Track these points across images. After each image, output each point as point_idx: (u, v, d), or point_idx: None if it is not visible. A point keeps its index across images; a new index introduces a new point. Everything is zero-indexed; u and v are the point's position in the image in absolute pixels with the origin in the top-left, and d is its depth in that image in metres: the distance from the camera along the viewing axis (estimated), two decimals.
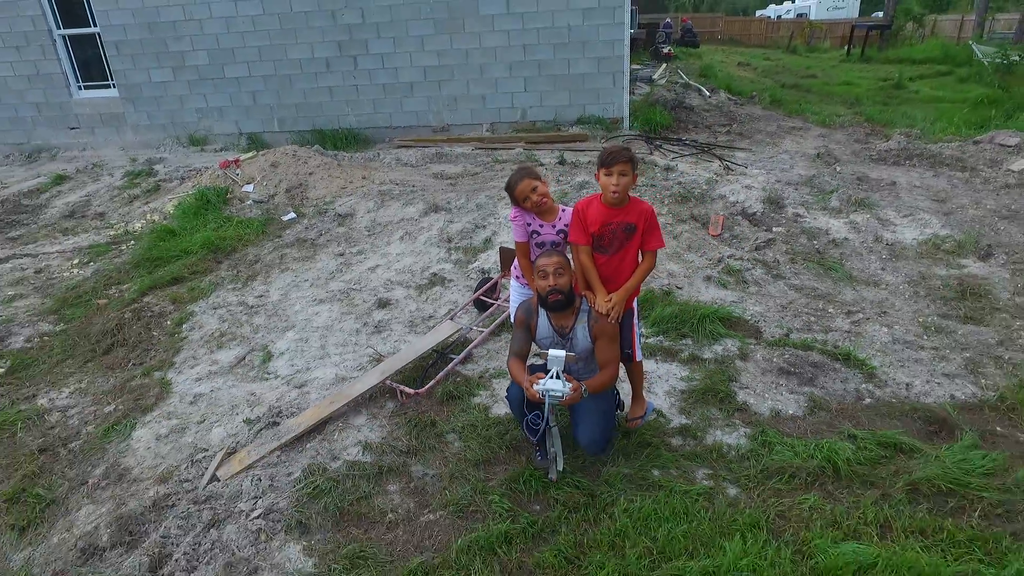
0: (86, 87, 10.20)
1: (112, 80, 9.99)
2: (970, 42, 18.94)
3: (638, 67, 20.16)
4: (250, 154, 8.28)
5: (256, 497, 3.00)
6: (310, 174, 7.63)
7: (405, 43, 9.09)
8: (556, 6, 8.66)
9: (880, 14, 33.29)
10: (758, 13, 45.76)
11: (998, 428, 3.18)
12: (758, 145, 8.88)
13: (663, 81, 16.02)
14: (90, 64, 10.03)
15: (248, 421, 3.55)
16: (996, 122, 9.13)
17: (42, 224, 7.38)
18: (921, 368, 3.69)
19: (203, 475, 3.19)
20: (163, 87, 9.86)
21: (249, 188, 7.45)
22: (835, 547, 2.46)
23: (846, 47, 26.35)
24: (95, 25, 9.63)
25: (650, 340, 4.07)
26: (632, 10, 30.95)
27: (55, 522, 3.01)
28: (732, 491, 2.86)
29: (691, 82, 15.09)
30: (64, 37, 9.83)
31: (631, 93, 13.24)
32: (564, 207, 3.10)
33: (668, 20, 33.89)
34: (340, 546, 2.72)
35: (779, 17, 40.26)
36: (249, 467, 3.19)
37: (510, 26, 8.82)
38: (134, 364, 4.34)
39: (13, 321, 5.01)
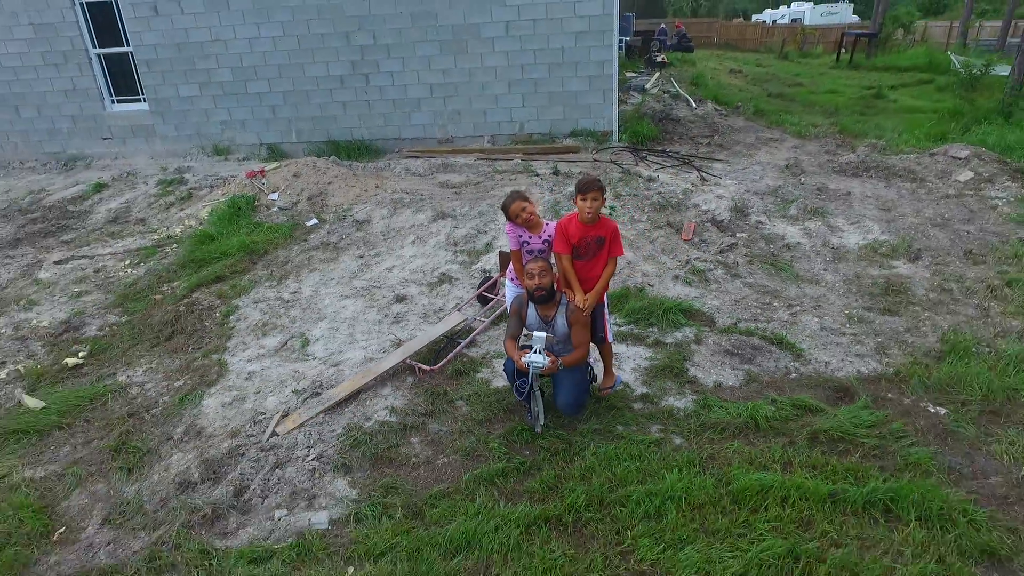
0: (118, 101, 11.05)
1: (143, 95, 10.84)
2: (949, 52, 19.70)
3: (633, 75, 20.93)
4: (274, 164, 9.14)
5: (309, 447, 3.86)
6: (329, 183, 8.49)
7: (413, 62, 9.95)
8: (551, 29, 9.51)
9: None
10: (755, 18, 46.55)
11: (888, 395, 4.04)
12: (735, 156, 9.73)
13: (655, 90, 16.84)
14: (122, 80, 10.88)
15: (296, 392, 4.41)
16: (953, 135, 9.96)
17: (90, 228, 8.24)
18: (839, 350, 4.55)
19: (265, 431, 4.05)
20: (190, 101, 10.72)
21: (275, 196, 8.31)
22: (747, 476, 3.32)
23: (836, 54, 27.18)
24: (128, 44, 10.48)
25: (622, 328, 4.93)
26: (628, 16, 31.76)
27: (153, 465, 3.87)
28: (677, 440, 3.72)
29: (681, 91, 15.92)
30: (99, 55, 10.69)
31: (624, 103, 14.11)
32: (548, 222, 3.96)
33: (663, 26, 34.65)
34: (376, 480, 3.58)
35: (774, 22, 41.03)
36: (301, 425, 4.05)
37: (509, 47, 9.67)
38: (193, 348, 5.20)
39: (84, 313, 5.88)
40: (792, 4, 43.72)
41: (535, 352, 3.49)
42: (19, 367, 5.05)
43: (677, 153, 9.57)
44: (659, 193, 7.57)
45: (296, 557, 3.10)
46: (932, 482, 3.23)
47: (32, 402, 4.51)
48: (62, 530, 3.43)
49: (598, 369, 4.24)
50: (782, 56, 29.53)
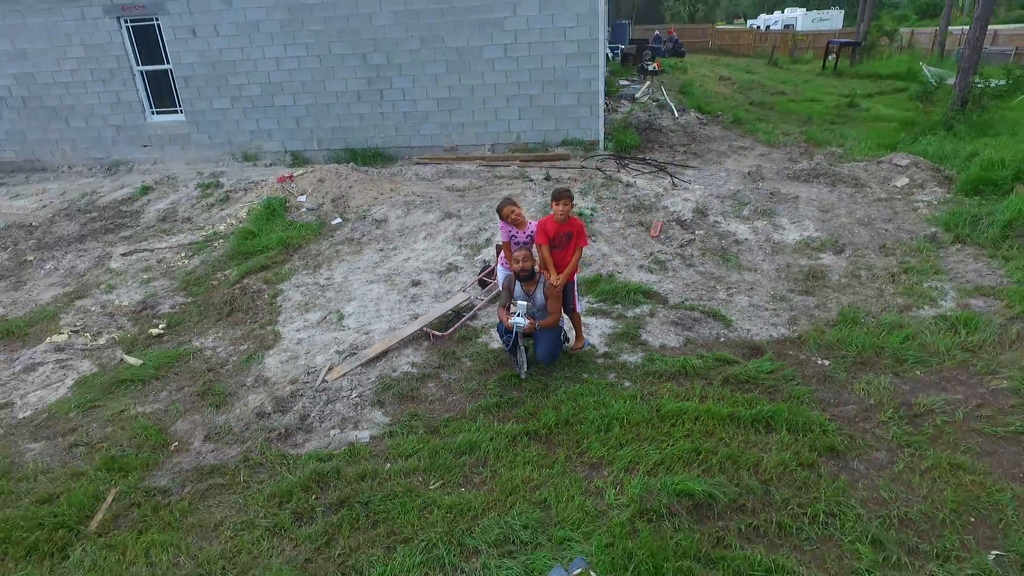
0: (158, 112, 12.34)
1: (180, 107, 12.13)
2: (920, 62, 20.92)
3: (626, 83, 22.15)
4: (301, 170, 10.43)
5: (351, 389, 5.14)
6: (350, 187, 9.77)
7: (422, 80, 11.23)
8: (544, 52, 10.77)
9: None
10: (750, 23, 47.75)
11: (790, 352, 5.31)
12: (706, 164, 11.00)
13: (645, 99, 18.10)
14: (162, 93, 12.17)
15: (337, 352, 5.69)
16: (903, 145, 11.20)
17: (144, 226, 9.54)
18: (760, 321, 5.82)
19: (317, 380, 5.33)
20: (222, 113, 12.00)
21: (303, 199, 9.59)
22: (674, 403, 4.59)
23: (823, 61, 28.38)
24: (168, 63, 11.77)
25: (593, 305, 6.20)
26: (624, 24, 32.91)
27: (234, 403, 5.15)
28: (627, 383, 4.99)
29: (668, 101, 17.18)
30: (142, 72, 11.98)
31: (614, 111, 15.38)
32: (531, 221, 5.23)
33: (658, 33, 35.81)
34: (403, 411, 4.86)
35: (768, 28, 42.28)
36: (344, 375, 5.33)
37: (507, 67, 10.94)
38: (250, 322, 6.48)
39: (156, 295, 7.16)
40: (786, 10, 44.97)
41: (518, 316, 4.76)
42: (114, 336, 6.33)
43: (655, 160, 10.84)
44: (635, 197, 8.84)
45: (349, 458, 4.37)
46: (804, 408, 4.51)
47: (132, 360, 5.80)
48: (176, 444, 4.71)
49: (572, 336, 5.51)
50: (772, 63, 30.77)
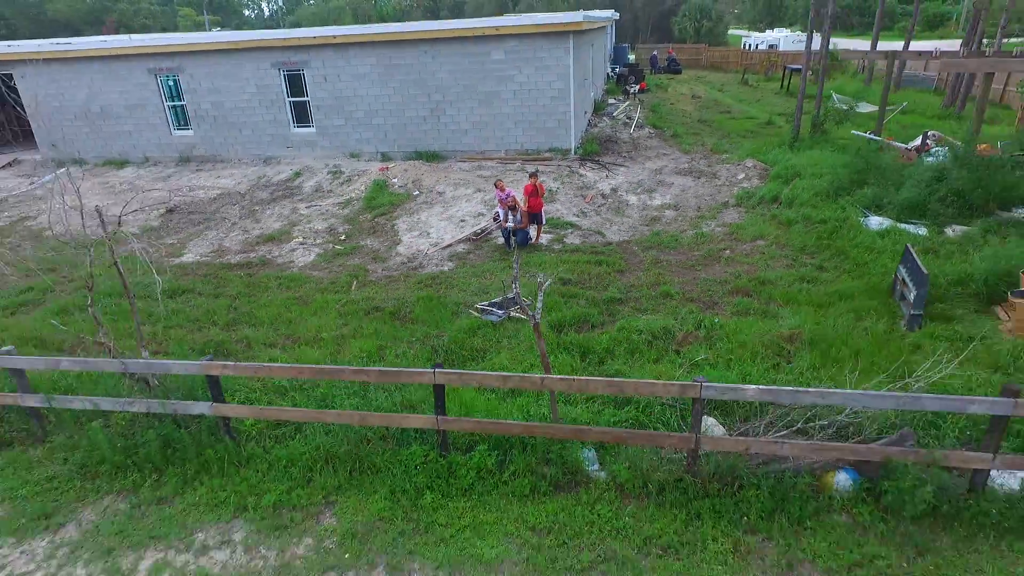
0: (298, 126, 19.64)
1: (312, 123, 19.41)
2: (832, 92, 27.38)
3: (613, 101, 28.96)
4: (391, 164, 17.64)
5: (440, 257, 12.30)
6: (421, 174, 16.94)
7: (463, 110, 18.33)
8: (537, 95, 17.78)
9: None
10: (744, 41, 53.99)
11: (624, 245, 12.31)
12: (635, 163, 17.94)
13: (621, 116, 24.99)
14: (301, 114, 19.46)
15: (430, 244, 12.85)
16: (759, 154, 17.93)
17: (305, 194, 16.80)
18: (619, 234, 12.81)
19: (424, 253, 12.49)
20: (339, 127, 19.25)
21: (395, 180, 16.78)
22: (570, 258, 11.65)
23: (781, 82, 34.72)
24: (307, 96, 19.05)
25: (548, 232, 13.24)
26: (623, 48, 40.04)
27: (388, 260, 12.32)
28: (554, 251, 12.05)
29: (636, 118, 24.05)
30: (290, 102, 19.28)
31: (595, 127, 22.34)
32: (509, 189, 12.33)
33: (655, 53, 42.42)
34: (458, 263, 11.99)
35: (756, 47, 48.52)
36: (432, 250, 12.49)
37: (515, 103, 17.99)
38: (385, 235, 13.66)
39: (334, 225, 14.38)
40: (773, 30, 51.13)
41: (508, 223, 11.86)
42: (321, 239, 13.57)
43: (602, 161, 17.82)
44: (583, 182, 15.87)
45: (437, 276, 11.48)
46: (620, 259, 11.49)
47: (340, 247, 13.03)
48: (367, 272, 11.89)
49: (534, 235, 12.59)
50: (743, 82, 37.20)
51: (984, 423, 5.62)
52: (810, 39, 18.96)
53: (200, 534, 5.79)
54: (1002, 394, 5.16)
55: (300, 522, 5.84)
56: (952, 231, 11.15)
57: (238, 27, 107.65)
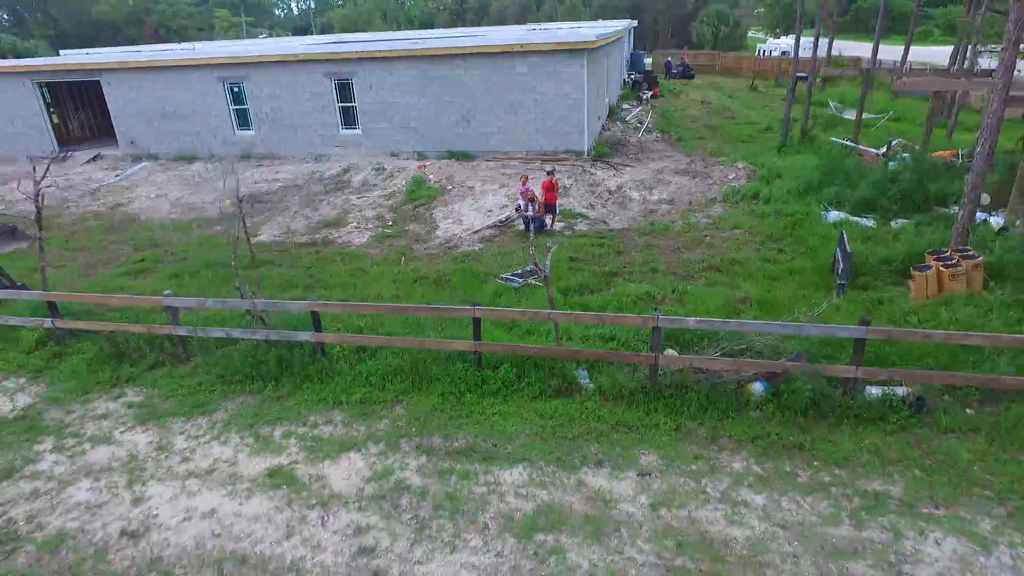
0: (345, 128, 22.40)
1: (358, 126, 22.16)
2: (829, 100, 29.49)
3: (627, 107, 31.34)
4: (427, 162, 20.32)
5: (471, 239, 14.92)
6: (453, 171, 19.58)
7: (492, 117, 20.92)
8: (555, 103, 20.28)
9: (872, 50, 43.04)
10: (759, 48, 55.92)
11: (624, 232, 14.81)
12: (640, 164, 20.39)
13: (634, 121, 27.39)
14: (349, 118, 22.21)
15: (463, 229, 15.48)
16: (750, 158, 20.26)
17: (354, 187, 19.53)
18: (621, 223, 15.32)
19: (458, 236, 15.13)
20: (381, 130, 21.96)
21: (431, 176, 19.45)
22: (577, 240, 14.20)
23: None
24: (354, 102, 21.79)
25: (560, 221, 15.78)
26: (640, 54, 42.56)
27: (429, 241, 14.97)
28: (565, 236, 14.60)
29: (646, 123, 26.44)
30: (339, 107, 22.04)
31: (608, 130, 24.82)
32: (529, 186, 14.90)
33: (670, 59, 44.65)
34: (488, 243, 14.60)
35: (770, 53, 50.46)
36: (464, 233, 15.12)
37: (536, 110, 20.53)
38: (424, 222, 16.31)
39: (382, 215, 17.08)
40: (788, 36, 52.95)
41: (528, 211, 14.44)
42: (372, 225, 16.27)
43: (610, 162, 20.30)
44: (593, 179, 18.39)
45: (468, 255, 14.09)
46: (619, 241, 14.00)
47: (389, 231, 15.71)
48: (412, 250, 14.56)
49: (549, 222, 15.14)
50: (752, 88, 39.27)
51: (850, 345, 8.06)
52: (797, 43, 21.14)
53: (311, 417, 8.45)
54: (860, 323, 7.64)
55: (379, 411, 8.49)
56: (895, 223, 13.49)
57: (271, 27, 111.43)
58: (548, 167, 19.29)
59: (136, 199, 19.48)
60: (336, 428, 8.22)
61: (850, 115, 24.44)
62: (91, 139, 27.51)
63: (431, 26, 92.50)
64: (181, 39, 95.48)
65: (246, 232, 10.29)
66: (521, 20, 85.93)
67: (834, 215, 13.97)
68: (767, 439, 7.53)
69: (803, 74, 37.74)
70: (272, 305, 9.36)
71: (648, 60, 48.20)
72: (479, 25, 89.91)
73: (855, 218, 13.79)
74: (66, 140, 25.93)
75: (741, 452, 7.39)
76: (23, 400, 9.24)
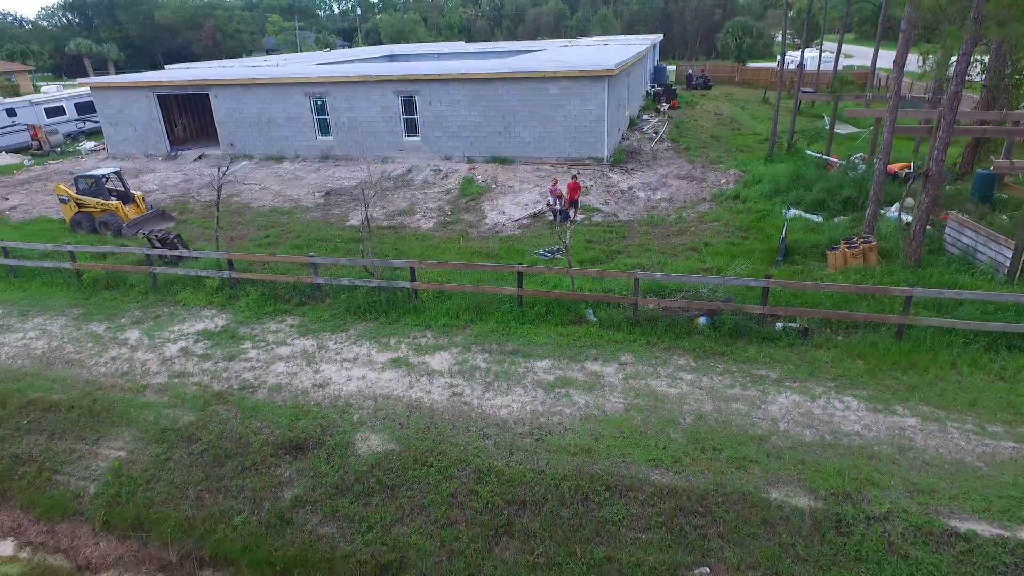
0: (407, 135, 27.19)
1: (419, 134, 26.93)
2: (823, 115, 33.28)
3: (647, 118, 35.60)
4: (475, 165, 25.00)
5: (512, 226, 19.53)
6: (497, 173, 24.22)
7: (528, 127, 25.48)
8: (581, 118, 24.74)
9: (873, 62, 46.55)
10: (778, 59, 59.34)
11: (632, 223, 19.26)
12: (649, 169, 24.74)
13: (650, 131, 31.68)
14: (410, 128, 26.99)
15: (506, 218, 20.09)
16: (740, 165, 24.43)
17: (417, 185, 24.28)
18: (629, 216, 19.76)
19: (502, 223, 19.75)
20: (436, 137, 26.69)
21: (479, 177, 24.11)
22: (592, 228, 18.71)
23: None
24: (416, 114, 26.56)
25: (581, 214, 20.28)
26: (661, 67, 47.15)
27: (479, 226, 19.62)
28: (586, 224, 19.12)
29: (660, 133, 30.72)
30: (404, 118, 26.84)
31: (626, 139, 29.22)
32: (558, 183, 19.45)
33: (691, 72, 48.63)
34: (524, 230, 19.22)
35: (789, 65, 53.96)
36: (506, 222, 19.74)
37: (566, 124, 25.01)
38: (475, 212, 20.96)
39: (444, 207, 21.80)
40: (804, 50, 56.33)
41: (556, 206, 18.98)
42: (435, 215, 20.99)
43: (624, 167, 24.71)
44: (609, 182, 22.86)
45: (510, 237, 18.68)
46: (624, 228, 18.46)
47: (447, 219, 20.46)
48: (469, 231, 19.21)
49: (571, 214, 19.67)
50: (764, 100, 43.01)
51: (759, 291, 12.45)
52: (801, 59, 25.19)
53: (412, 334, 13.15)
54: (764, 278, 12.06)
55: (456, 331, 13.14)
56: (837, 219, 17.69)
57: (318, 32, 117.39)
58: (574, 171, 23.85)
59: (245, 191, 24.54)
60: (429, 339, 12.90)
61: (843, 129, 28.40)
62: (191, 140, 32.83)
63: (470, 32, 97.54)
64: (235, 42, 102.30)
65: (368, 214, 15.06)
66: (555, 28, 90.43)
67: (792, 212, 18.22)
68: (703, 348, 11.99)
69: (808, 89, 41.63)
70: (384, 262, 14.11)
71: (671, 68, 52.19)
72: (515, 30, 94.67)
73: (808, 215, 18.02)
74: (173, 142, 31.25)
75: (685, 356, 11.87)
76: (220, 322, 14.14)
